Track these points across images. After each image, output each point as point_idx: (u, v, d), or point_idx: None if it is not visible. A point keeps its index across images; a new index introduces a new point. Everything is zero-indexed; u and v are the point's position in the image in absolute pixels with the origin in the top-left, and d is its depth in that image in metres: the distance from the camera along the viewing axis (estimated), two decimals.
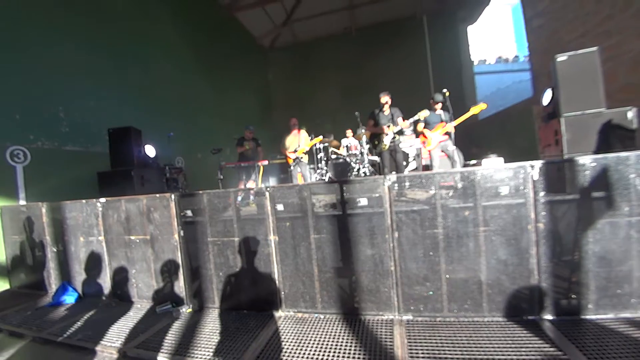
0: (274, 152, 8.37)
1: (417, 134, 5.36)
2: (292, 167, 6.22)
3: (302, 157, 6.15)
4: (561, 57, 3.38)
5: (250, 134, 6.36)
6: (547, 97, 3.75)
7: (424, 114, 4.95)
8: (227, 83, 10.14)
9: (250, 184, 6.17)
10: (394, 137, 5.04)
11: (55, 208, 3.71)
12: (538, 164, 2.22)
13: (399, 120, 5.03)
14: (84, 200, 3.51)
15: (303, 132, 6.32)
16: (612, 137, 3.11)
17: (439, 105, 5.06)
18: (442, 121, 4.99)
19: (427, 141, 5.09)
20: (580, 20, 5.73)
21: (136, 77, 6.49)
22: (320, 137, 6.28)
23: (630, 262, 2.11)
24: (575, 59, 3.34)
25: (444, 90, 4.97)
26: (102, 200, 3.42)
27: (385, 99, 5.06)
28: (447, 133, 4.97)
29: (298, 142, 6.19)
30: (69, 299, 3.49)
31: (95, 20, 5.66)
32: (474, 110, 4.84)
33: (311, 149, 6.49)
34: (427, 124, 5.12)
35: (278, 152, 7.77)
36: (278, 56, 13.89)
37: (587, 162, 2.16)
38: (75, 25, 5.29)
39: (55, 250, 3.77)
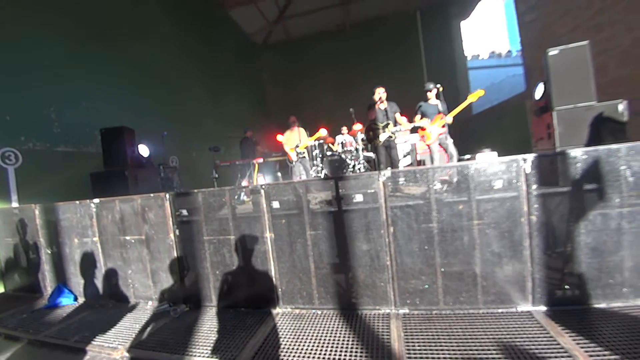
0: (269, 149, 8.35)
1: (416, 128, 5.21)
2: (293, 164, 6.22)
3: (303, 153, 6.16)
4: (553, 51, 3.41)
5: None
6: (539, 91, 3.78)
7: (424, 122, 4.89)
8: (221, 81, 10.08)
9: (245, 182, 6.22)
10: (390, 137, 4.98)
11: (49, 209, 3.67)
12: (530, 157, 2.24)
13: (397, 115, 4.99)
14: (77, 201, 3.48)
15: (302, 129, 6.34)
16: (603, 130, 3.15)
17: (432, 93, 4.90)
18: (439, 112, 4.82)
19: (427, 135, 4.92)
20: (572, 14, 5.77)
21: (129, 76, 6.42)
22: (322, 133, 6.24)
23: (621, 252, 2.15)
24: (567, 53, 3.37)
25: (438, 85, 4.93)
26: (96, 200, 3.39)
27: (378, 92, 4.93)
28: (446, 125, 4.81)
29: (298, 138, 6.20)
30: (65, 300, 3.47)
31: (86, 19, 5.59)
32: (471, 98, 4.67)
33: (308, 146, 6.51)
34: (425, 116, 4.95)
35: (273, 150, 7.76)
36: (271, 53, 13.81)
37: (579, 154, 2.19)
38: (66, 24, 5.22)
39: (49, 252, 3.73)
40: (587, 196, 2.20)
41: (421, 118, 5.00)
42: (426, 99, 5.02)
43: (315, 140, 6.47)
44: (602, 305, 2.16)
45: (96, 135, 4.91)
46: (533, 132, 4.08)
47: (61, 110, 4.97)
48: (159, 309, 3.00)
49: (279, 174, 8.25)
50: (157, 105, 7.10)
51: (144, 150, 5.31)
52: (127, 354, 2.33)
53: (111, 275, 3.39)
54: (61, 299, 3.46)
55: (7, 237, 3.94)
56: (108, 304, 3.35)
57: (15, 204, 4.17)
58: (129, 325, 2.78)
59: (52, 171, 4.69)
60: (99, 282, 3.47)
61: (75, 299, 3.55)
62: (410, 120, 5.13)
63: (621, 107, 3.13)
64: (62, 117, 4.97)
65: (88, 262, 3.47)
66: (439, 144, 4.93)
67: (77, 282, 3.59)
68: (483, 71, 16.38)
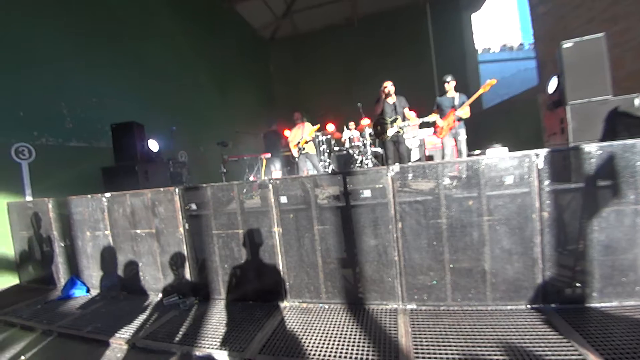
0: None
1: (431, 123, 5.14)
2: (297, 160, 6.18)
3: (304, 148, 6.10)
4: (567, 44, 3.32)
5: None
6: (552, 85, 3.70)
7: (433, 117, 4.86)
8: (228, 76, 10.10)
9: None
10: (398, 132, 4.94)
11: (62, 203, 3.75)
12: (543, 152, 2.19)
13: (406, 110, 4.93)
14: (89, 195, 3.54)
15: (307, 124, 6.28)
16: (618, 125, 3.07)
17: (450, 85, 4.80)
18: (453, 106, 4.74)
19: (440, 129, 4.87)
20: (586, 6, 5.61)
21: (138, 72, 6.48)
22: (318, 125, 6.17)
23: (635, 250, 2.10)
24: (582, 45, 3.28)
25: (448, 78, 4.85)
26: (107, 195, 3.44)
27: (386, 86, 4.88)
28: (460, 119, 4.72)
29: (302, 134, 6.15)
30: (78, 292, 3.55)
31: (95, 15, 5.64)
32: (483, 88, 4.52)
33: (314, 141, 6.44)
34: (440, 109, 4.88)
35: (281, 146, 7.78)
36: (278, 48, 13.75)
37: (593, 150, 2.14)
38: (76, 21, 5.27)
39: (62, 245, 3.82)
40: (601, 193, 2.15)
41: (436, 111, 4.93)
42: (444, 91, 4.93)
43: (321, 135, 6.43)
44: (615, 304, 2.13)
45: (107, 131, 4.98)
46: (545, 127, 4.00)
47: (72, 106, 5.05)
48: (169, 301, 3.05)
49: (283, 170, 8.29)
50: (165, 101, 7.14)
51: (153, 145, 5.37)
52: (138, 345, 2.38)
53: (122, 268, 3.45)
54: (74, 291, 3.54)
55: (22, 230, 4.04)
56: (120, 295, 3.42)
57: (29, 198, 4.27)
58: (140, 317, 2.84)
59: (65, 166, 4.78)
60: (110, 275, 3.54)
61: (88, 290, 3.63)
62: (421, 115, 5.06)
63: (637, 101, 3.04)
64: (73, 113, 5.05)
65: (100, 255, 3.54)
66: (453, 138, 4.87)
67: (89, 274, 3.67)
68: (494, 65, 16.11)
